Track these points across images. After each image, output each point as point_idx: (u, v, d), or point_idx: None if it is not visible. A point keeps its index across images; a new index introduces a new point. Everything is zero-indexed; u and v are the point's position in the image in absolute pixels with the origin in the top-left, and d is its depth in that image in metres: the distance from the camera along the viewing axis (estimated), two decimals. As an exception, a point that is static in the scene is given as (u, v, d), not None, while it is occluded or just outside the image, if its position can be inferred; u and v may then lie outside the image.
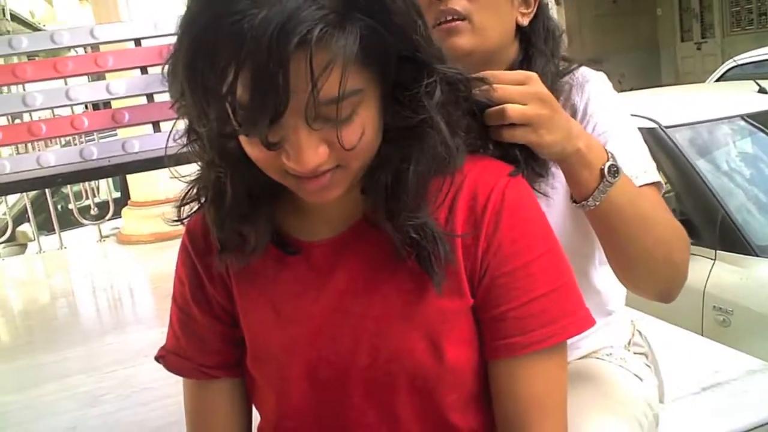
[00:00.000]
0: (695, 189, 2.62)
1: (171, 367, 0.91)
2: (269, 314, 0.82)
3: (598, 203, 0.91)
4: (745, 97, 3.11)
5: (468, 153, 0.79)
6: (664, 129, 2.78)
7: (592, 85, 1.06)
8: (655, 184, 1.01)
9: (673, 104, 3.33)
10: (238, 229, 0.80)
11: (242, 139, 0.69)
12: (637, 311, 1.74)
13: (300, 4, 0.60)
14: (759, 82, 3.14)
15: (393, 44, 0.67)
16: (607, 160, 0.91)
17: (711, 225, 2.52)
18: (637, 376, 1.10)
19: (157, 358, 0.92)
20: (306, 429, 0.83)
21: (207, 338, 0.88)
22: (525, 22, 1.09)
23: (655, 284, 1.00)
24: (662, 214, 0.98)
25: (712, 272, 2.44)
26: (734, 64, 5.63)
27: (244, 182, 0.77)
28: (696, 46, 12.83)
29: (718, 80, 5.74)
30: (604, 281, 1.13)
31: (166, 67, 0.71)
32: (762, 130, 2.96)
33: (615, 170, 0.91)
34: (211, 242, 0.83)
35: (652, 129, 2.83)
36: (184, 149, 0.78)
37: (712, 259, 2.47)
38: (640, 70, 11.86)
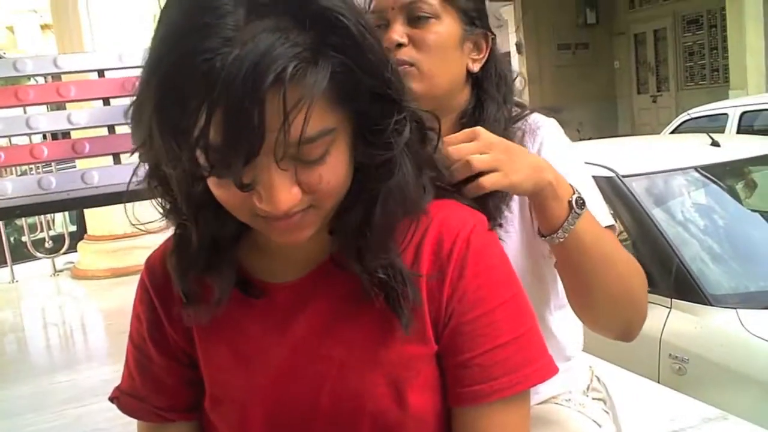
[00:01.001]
0: (651, 237, 2.68)
1: (125, 409, 0.87)
2: (230, 356, 0.80)
3: (566, 235, 0.92)
4: (698, 150, 3.20)
5: (435, 197, 0.79)
6: (621, 178, 2.85)
7: (545, 130, 1.08)
8: (612, 228, 1.03)
9: (630, 154, 3.42)
10: (201, 279, 0.78)
11: (211, 182, 0.67)
12: (595, 357, 1.76)
13: (273, 42, 0.59)
14: (712, 135, 3.24)
15: (365, 81, 0.66)
16: (574, 193, 0.93)
17: (666, 273, 2.56)
18: (595, 422, 1.10)
19: (111, 399, 0.88)
20: None
21: (164, 380, 0.85)
22: (476, 68, 1.10)
23: (617, 322, 1.01)
24: (623, 252, 1.00)
25: (668, 320, 2.47)
26: (688, 117, 5.82)
27: (210, 229, 0.75)
28: (652, 99, 13.23)
29: (672, 132, 5.91)
30: (561, 326, 1.14)
31: (131, 109, 0.69)
32: (715, 182, 3.04)
33: (581, 202, 0.93)
34: (173, 282, 0.81)
35: (609, 178, 2.90)
36: (145, 190, 0.76)
37: (668, 307, 2.51)
38: (597, 120, 12.17)
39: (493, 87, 1.10)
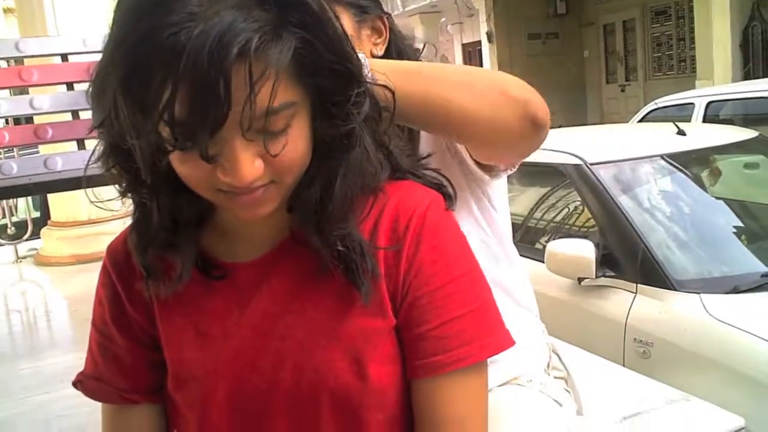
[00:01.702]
0: (618, 224, 2.71)
1: (89, 392, 0.87)
2: (191, 336, 0.81)
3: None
4: (665, 138, 3.24)
5: (393, 178, 0.81)
6: (589, 166, 2.88)
7: None
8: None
9: (598, 142, 3.45)
10: (162, 255, 0.78)
11: (175, 157, 0.68)
12: (558, 340, 1.78)
13: (236, 17, 0.61)
14: (678, 124, 3.28)
15: (325, 56, 0.68)
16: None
17: (632, 259, 2.60)
18: (556, 401, 1.12)
19: (75, 384, 0.88)
20: None
21: (127, 362, 0.85)
22: (379, 51, 1.12)
23: (507, 109, 0.90)
24: (456, 67, 0.96)
25: (633, 305, 2.51)
26: (655, 106, 5.89)
27: (170, 206, 0.76)
28: (620, 88, 13.38)
29: (640, 121, 5.98)
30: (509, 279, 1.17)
31: (91, 87, 0.69)
32: (681, 170, 3.09)
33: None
34: (134, 264, 0.81)
35: (577, 165, 2.93)
36: (105, 171, 0.76)
37: (633, 292, 2.55)
38: (567, 109, 12.26)
39: None
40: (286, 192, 0.73)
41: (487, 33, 13.66)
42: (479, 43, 14.45)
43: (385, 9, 1.15)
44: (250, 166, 0.66)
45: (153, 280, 0.79)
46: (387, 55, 1.12)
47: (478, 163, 1.05)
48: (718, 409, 1.50)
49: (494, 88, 0.91)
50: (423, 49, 1.16)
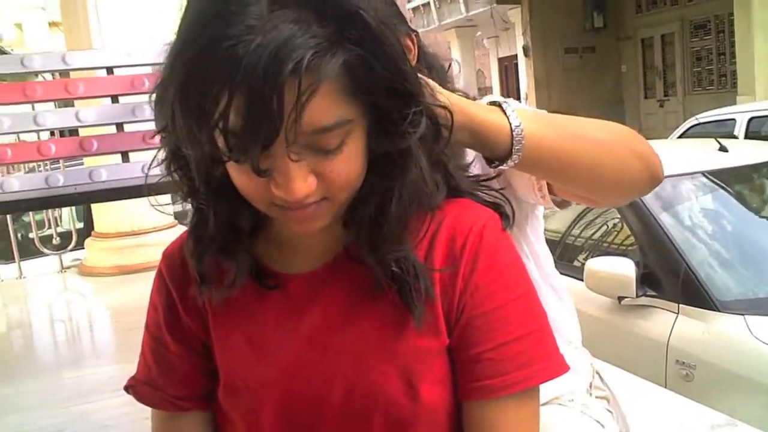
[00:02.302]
0: (658, 242, 2.67)
1: (141, 398, 0.88)
2: (244, 346, 0.81)
3: (522, 128, 0.85)
4: (706, 154, 3.19)
5: (451, 196, 0.80)
6: (630, 182, 2.84)
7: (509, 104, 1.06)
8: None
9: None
10: (217, 262, 0.79)
11: (230, 167, 0.69)
12: (600, 361, 1.76)
13: (294, 32, 0.62)
14: (720, 140, 3.23)
15: (382, 74, 0.67)
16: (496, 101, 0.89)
17: (674, 278, 2.56)
18: (599, 422, 1.10)
19: (127, 388, 0.89)
20: None
21: (179, 368, 0.86)
22: None
23: (635, 164, 0.92)
24: (589, 120, 0.94)
25: (675, 326, 2.47)
26: (696, 122, 5.81)
27: (227, 214, 0.76)
28: (659, 104, 13.20)
29: (680, 136, 5.90)
30: (550, 304, 1.14)
31: (153, 94, 0.71)
32: (722, 187, 3.04)
33: (508, 103, 0.88)
34: (189, 270, 0.82)
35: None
36: (163, 179, 0.77)
37: (675, 312, 2.51)
38: (604, 124, 12.12)
39: None
40: (339, 209, 0.73)
41: (523, 47, 13.61)
42: (515, 57, 14.41)
43: (422, 23, 1.15)
44: (302, 182, 0.67)
45: (206, 286, 0.80)
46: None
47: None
48: (767, 435, 1.46)
49: (623, 144, 0.92)
50: (449, 68, 1.16)
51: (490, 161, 0.89)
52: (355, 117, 0.68)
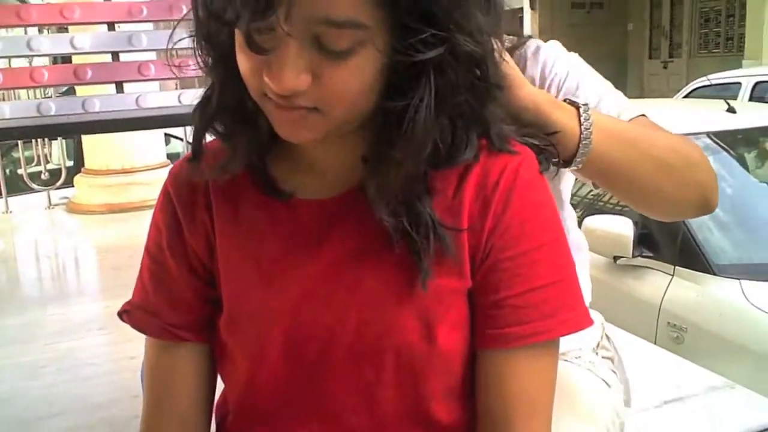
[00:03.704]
0: (659, 203, 2.64)
1: (135, 324, 0.83)
2: (251, 273, 0.76)
3: (591, 130, 0.86)
4: (713, 116, 3.14)
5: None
6: (633, 141, 2.79)
7: (545, 50, 1.03)
8: (643, 116, 0.98)
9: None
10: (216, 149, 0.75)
11: (238, 44, 0.64)
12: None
13: None
14: (728, 101, 3.17)
15: None
16: (566, 99, 0.90)
17: (671, 240, 2.54)
18: (605, 381, 1.08)
19: (120, 314, 0.84)
20: (275, 403, 0.77)
21: (179, 293, 0.80)
22: None
23: (690, 193, 0.93)
24: (659, 131, 0.94)
25: (669, 288, 2.46)
26: (708, 82, 5.69)
27: (232, 92, 0.71)
28: (663, 65, 13.07)
29: (685, 97, 5.83)
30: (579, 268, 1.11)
31: None
32: (726, 150, 2.99)
33: (587, 106, 0.88)
34: (197, 192, 0.78)
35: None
36: (189, 48, 0.72)
37: (670, 274, 2.49)
38: (606, 83, 12.03)
39: None
40: (331, 126, 0.67)
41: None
42: (521, 10, 14.19)
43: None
44: (293, 73, 0.61)
45: (197, 163, 0.76)
46: None
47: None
48: (764, 399, 1.44)
49: (688, 171, 0.92)
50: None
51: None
52: (372, 27, 0.61)
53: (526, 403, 0.71)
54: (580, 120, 0.85)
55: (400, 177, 0.67)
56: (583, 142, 0.85)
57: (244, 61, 0.64)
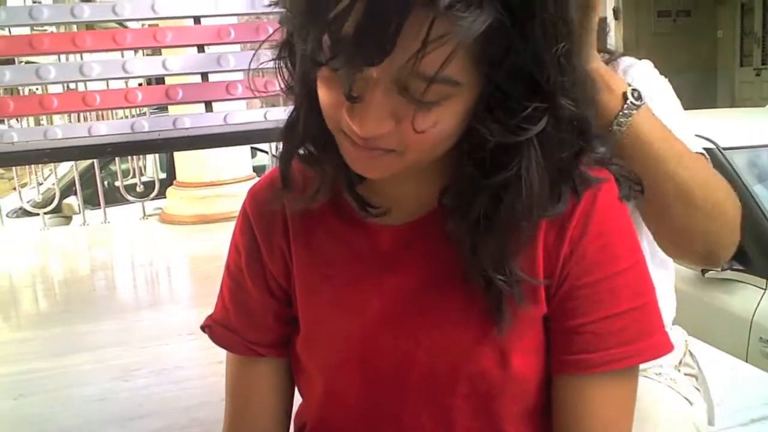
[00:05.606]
0: (750, 214, 2.54)
1: (216, 339, 0.86)
2: (328, 297, 0.78)
3: (623, 129, 0.85)
4: (809, 125, 3.00)
5: None
6: (722, 150, 2.70)
7: (636, 69, 1.02)
8: (702, 155, 0.95)
9: (732, 126, 3.24)
10: (305, 176, 0.76)
11: (320, 77, 0.64)
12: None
13: None
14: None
15: (518, 52, 0.59)
16: (630, 86, 0.88)
17: (764, 253, 2.44)
18: (686, 399, 1.05)
19: (203, 327, 0.88)
20: (351, 421, 0.79)
21: (258, 314, 0.83)
22: None
23: (698, 234, 0.89)
24: (705, 169, 0.90)
25: (761, 302, 2.36)
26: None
27: (317, 121, 0.70)
28: (755, 72, 12.51)
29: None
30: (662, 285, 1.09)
31: None
32: (823, 160, 2.86)
33: (639, 95, 0.87)
34: (276, 213, 0.80)
35: (708, 149, 2.75)
36: (273, 62, 0.72)
37: (762, 288, 2.39)
38: (695, 92, 11.57)
39: None
40: (405, 167, 0.67)
41: (613, 9, 13.02)
42: (605, 19, 13.88)
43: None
44: (377, 120, 0.61)
45: (287, 192, 0.76)
46: None
47: None
48: None
49: (708, 210, 0.88)
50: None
51: None
52: (465, 83, 0.60)
53: (603, 429, 0.71)
54: (631, 88, 0.86)
55: (492, 238, 0.67)
56: (628, 101, 0.85)
57: (325, 95, 0.64)
